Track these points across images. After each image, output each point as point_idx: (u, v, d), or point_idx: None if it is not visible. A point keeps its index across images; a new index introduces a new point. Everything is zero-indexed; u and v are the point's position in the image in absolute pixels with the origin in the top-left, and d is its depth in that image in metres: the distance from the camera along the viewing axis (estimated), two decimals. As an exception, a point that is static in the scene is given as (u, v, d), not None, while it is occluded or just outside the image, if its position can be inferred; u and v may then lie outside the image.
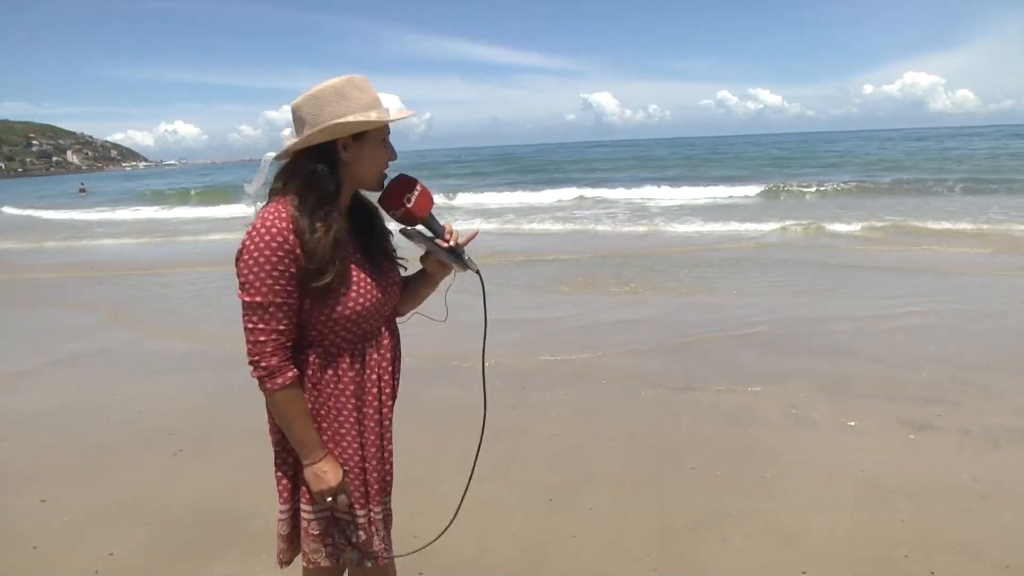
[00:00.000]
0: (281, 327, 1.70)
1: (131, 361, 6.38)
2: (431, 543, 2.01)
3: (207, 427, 4.68)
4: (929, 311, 6.86)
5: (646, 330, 6.64)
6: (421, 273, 1.96)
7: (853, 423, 4.30)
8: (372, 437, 1.85)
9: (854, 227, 13.03)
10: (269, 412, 1.83)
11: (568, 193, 24.52)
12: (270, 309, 1.67)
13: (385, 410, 1.88)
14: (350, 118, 1.70)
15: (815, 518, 3.23)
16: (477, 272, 1.86)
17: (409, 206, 1.79)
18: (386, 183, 1.83)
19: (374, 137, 1.76)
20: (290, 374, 1.73)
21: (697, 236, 13.26)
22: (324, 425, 1.82)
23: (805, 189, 22.22)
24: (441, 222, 1.84)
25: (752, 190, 22.66)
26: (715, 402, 4.72)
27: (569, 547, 3.09)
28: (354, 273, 1.75)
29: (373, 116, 1.72)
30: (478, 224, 14.68)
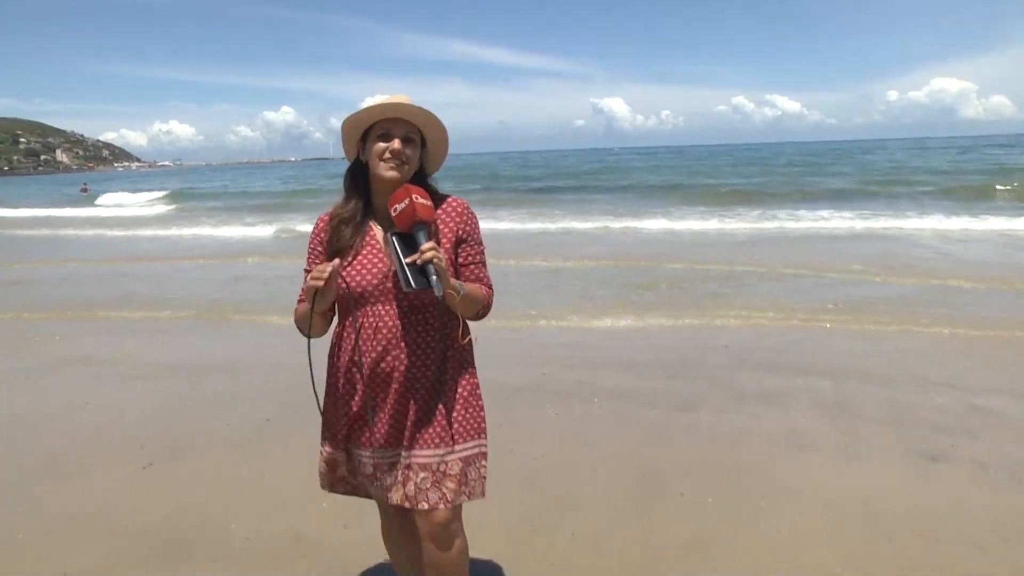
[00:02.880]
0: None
1: (114, 367, 6.38)
2: None
3: (182, 438, 4.68)
4: (946, 330, 6.81)
5: (647, 347, 6.66)
6: None
7: (857, 450, 4.26)
8: (349, 389, 2.27)
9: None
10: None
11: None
12: (304, 275, 2.28)
13: (363, 373, 2.21)
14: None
15: (810, 550, 3.19)
16: (439, 299, 2.05)
17: (392, 215, 2.08)
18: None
19: (372, 136, 2.19)
20: (298, 308, 2.33)
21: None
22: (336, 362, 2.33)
23: None
24: (424, 242, 2.03)
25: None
26: (711, 424, 4.71)
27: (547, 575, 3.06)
28: (358, 259, 2.19)
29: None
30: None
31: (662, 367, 5.96)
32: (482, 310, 2.27)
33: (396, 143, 2.16)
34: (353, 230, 2.23)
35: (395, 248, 2.04)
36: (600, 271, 10.56)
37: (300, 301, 2.31)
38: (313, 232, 2.34)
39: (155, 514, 3.67)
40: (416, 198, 2.04)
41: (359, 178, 2.28)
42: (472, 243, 2.28)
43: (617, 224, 17.30)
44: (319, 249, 2.30)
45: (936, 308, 7.68)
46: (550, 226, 17.50)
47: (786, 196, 24.48)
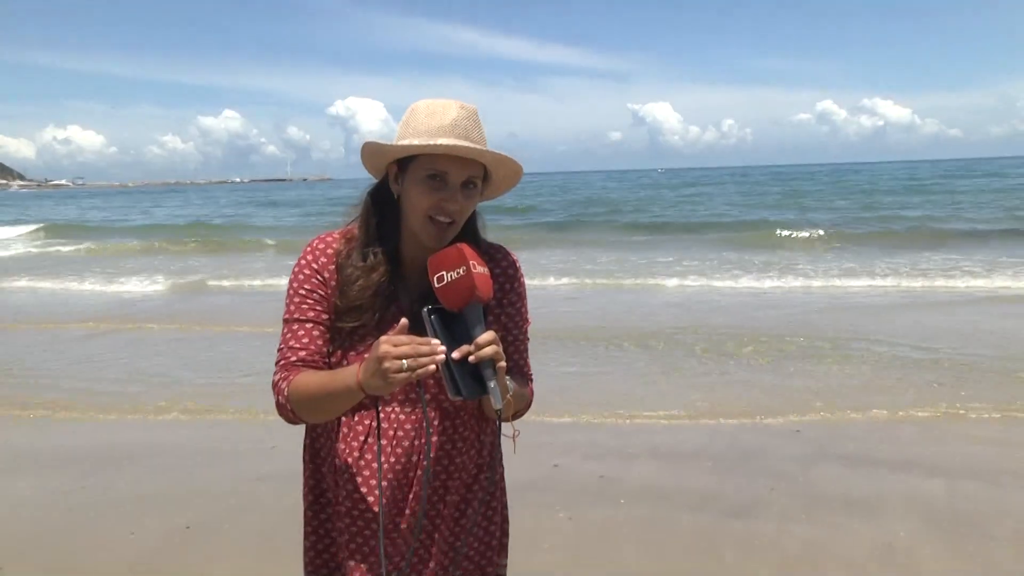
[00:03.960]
0: (299, 344, 2.10)
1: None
2: None
3: (61, 555, 4.60)
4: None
5: (694, 433, 6.68)
6: None
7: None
8: (348, 521, 2.14)
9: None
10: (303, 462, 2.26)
11: None
12: (293, 327, 2.11)
13: (369, 500, 2.12)
14: (372, 140, 2.06)
15: None
16: (497, 413, 1.92)
17: (436, 286, 1.92)
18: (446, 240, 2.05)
19: (416, 171, 2.02)
20: (291, 376, 2.06)
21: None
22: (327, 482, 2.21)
23: None
24: (480, 332, 1.89)
25: None
26: (777, 536, 4.69)
27: None
28: (376, 336, 1.99)
29: (404, 142, 2.00)
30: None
31: (712, 459, 5.95)
32: (522, 410, 2.23)
33: (455, 200, 2.03)
34: (381, 303, 2.10)
35: (436, 336, 1.88)
36: (634, 338, 10.48)
37: (290, 364, 2.10)
38: (307, 264, 2.15)
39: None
40: (475, 266, 1.91)
41: (387, 211, 2.15)
42: (518, 318, 2.24)
43: (660, 279, 16.88)
44: (320, 292, 2.12)
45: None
46: (565, 281, 16.97)
47: (894, 238, 23.96)
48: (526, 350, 2.27)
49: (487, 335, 1.87)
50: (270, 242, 27.54)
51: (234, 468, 5.78)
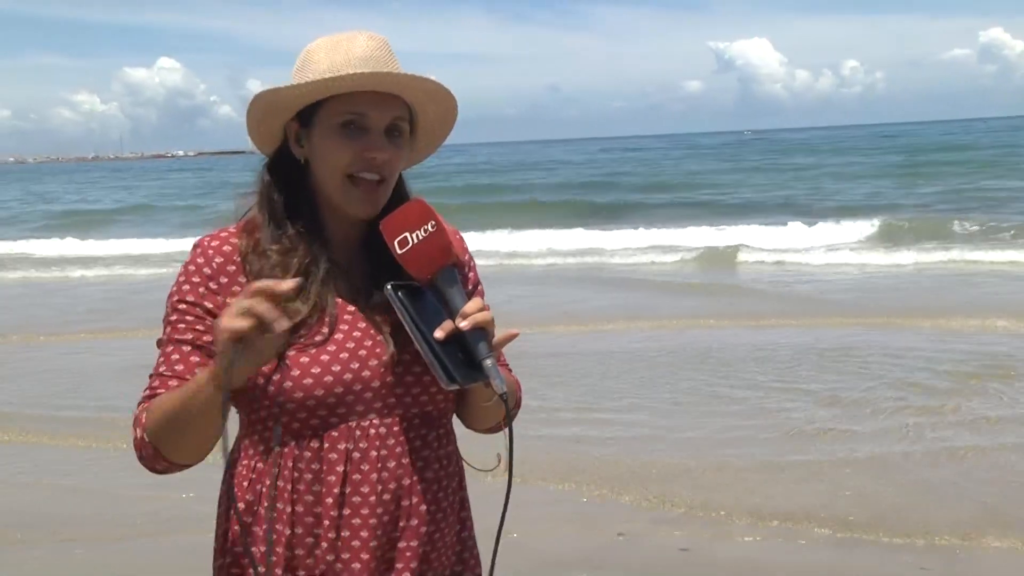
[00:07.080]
0: (171, 372, 1.79)
1: None
2: None
3: None
4: None
5: (818, 487, 5.77)
6: None
7: None
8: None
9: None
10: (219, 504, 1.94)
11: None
12: (168, 349, 1.81)
13: (356, 546, 1.80)
14: (259, 89, 1.90)
15: None
16: (501, 397, 1.67)
17: (399, 252, 1.74)
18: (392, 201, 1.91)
19: (325, 121, 1.81)
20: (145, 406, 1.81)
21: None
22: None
23: None
24: (461, 298, 1.71)
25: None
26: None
27: None
28: (332, 339, 1.81)
29: (305, 79, 1.83)
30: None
31: (842, 523, 5.10)
32: (513, 410, 1.87)
33: (381, 148, 1.78)
34: (317, 291, 1.83)
35: (410, 316, 1.71)
36: (751, 357, 9.22)
37: (157, 394, 1.79)
38: (196, 269, 1.87)
39: None
40: (442, 221, 1.79)
41: (294, 184, 1.90)
42: (476, 294, 2.01)
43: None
44: (207, 305, 1.81)
45: None
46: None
47: None
48: None
49: (474, 302, 1.69)
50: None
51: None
